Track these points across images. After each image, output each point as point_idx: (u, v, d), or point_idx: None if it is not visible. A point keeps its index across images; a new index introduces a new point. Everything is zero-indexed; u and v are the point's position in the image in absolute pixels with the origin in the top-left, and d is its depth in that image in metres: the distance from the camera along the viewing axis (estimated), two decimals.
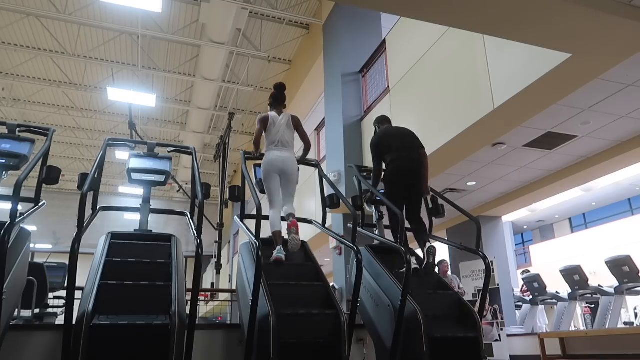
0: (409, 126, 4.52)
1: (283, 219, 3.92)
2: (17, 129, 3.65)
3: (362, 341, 3.92)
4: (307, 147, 4.28)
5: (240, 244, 4.01)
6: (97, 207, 3.71)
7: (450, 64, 6.18)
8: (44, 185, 3.45)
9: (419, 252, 3.92)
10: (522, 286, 8.68)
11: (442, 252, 9.14)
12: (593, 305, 8.43)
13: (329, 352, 3.08)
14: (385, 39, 8.13)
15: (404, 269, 3.29)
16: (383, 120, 4.55)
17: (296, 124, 4.16)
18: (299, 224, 3.96)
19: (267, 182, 3.96)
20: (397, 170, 4.08)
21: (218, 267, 10.51)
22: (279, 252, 3.68)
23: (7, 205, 2.81)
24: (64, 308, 2.75)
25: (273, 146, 4.00)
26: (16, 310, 3.69)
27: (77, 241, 2.66)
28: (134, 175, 3.93)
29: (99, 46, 11.81)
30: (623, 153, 6.64)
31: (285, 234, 3.77)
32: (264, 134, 4.09)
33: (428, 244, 3.84)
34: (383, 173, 4.24)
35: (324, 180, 4.31)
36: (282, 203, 3.98)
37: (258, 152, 4.13)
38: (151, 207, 3.90)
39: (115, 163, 16.59)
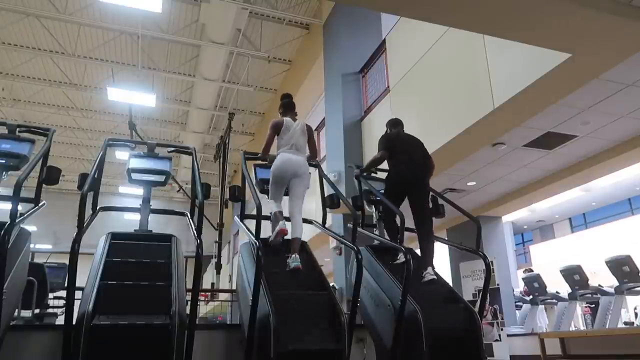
0: (409, 126, 4.53)
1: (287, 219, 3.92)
2: (17, 129, 3.65)
3: (362, 341, 3.92)
4: (313, 157, 4.30)
5: (240, 244, 4.01)
6: (97, 207, 3.71)
7: (450, 64, 6.18)
8: (44, 185, 3.45)
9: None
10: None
11: (443, 252, 9.15)
12: (593, 305, 8.41)
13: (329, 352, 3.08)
14: (385, 39, 8.13)
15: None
16: (396, 124, 4.56)
17: (309, 133, 4.19)
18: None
19: (275, 184, 3.94)
20: (400, 174, 4.12)
21: (218, 267, 10.50)
22: (295, 261, 3.56)
23: (7, 206, 2.81)
24: (64, 308, 2.75)
25: (287, 148, 3.98)
26: (16, 310, 3.69)
27: (77, 241, 2.66)
28: (134, 175, 3.93)
29: (99, 46, 11.82)
30: (623, 153, 6.62)
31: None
32: (275, 139, 4.09)
33: (428, 271, 3.72)
34: (387, 174, 4.27)
35: (324, 180, 4.32)
36: (290, 210, 3.97)
37: (266, 156, 4.13)
38: (151, 207, 3.90)
39: (115, 163, 16.57)
